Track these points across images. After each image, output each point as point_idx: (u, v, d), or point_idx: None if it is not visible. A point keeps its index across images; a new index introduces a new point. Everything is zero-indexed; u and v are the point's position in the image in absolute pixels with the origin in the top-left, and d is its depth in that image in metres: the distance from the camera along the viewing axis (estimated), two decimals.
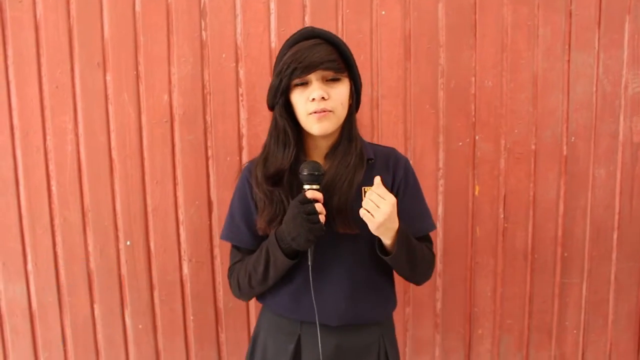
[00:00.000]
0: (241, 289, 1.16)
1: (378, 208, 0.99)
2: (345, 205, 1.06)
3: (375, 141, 1.68)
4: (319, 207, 1.01)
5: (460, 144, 1.67)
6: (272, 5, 1.63)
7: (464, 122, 1.66)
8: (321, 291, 1.08)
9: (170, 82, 1.67)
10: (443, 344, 1.76)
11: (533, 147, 1.67)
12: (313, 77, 1.03)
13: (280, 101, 1.07)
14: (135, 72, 1.67)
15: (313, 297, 1.06)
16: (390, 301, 1.20)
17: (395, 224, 1.03)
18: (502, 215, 1.70)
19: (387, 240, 1.05)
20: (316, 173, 1.02)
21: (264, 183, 1.09)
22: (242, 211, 1.16)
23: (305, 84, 1.05)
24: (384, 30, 1.64)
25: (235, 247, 1.20)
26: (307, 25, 1.09)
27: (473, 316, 1.75)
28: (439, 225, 1.70)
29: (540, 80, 1.65)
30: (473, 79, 1.65)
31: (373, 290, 1.14)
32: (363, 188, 1.09)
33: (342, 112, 1.07)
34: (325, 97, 1.03)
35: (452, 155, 1.68)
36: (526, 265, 1.72)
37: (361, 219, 1.03)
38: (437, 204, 1.70)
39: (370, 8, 1.63)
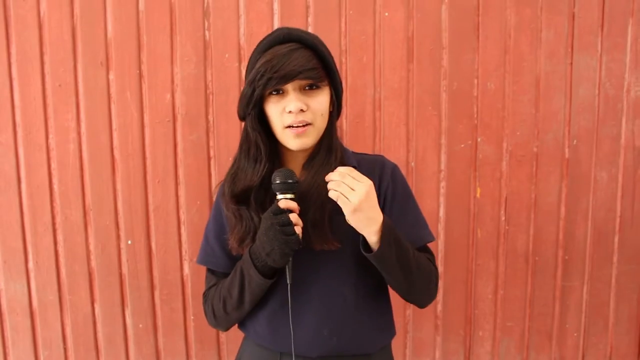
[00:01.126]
0: (216, 316, 1.05)
1: (352, 190, 0.88)
2: (322, 218, 0.95)
3: (377, 142, 1.68)
4: (294, 217, 0.92)
5: (462, 146, 1.67)
6: (276, 6, 1.64)
7: (466, 124, 1.67)
8: (301, 317, 0.98)
9: (173, 81, 1.67)
10: (443, 345, 1.76)
11: (535, 149, 1.67)
12: (290, 86, 0.93)
13: (252, 112, 0.97)
14: (138, 71, 1.67)
15: (291, 322, 0.96)
16: (384, 329, 1.07)
17: (376, 214, 0.91)
18: (503, 218, 1.70)
19: (371, 236, 0.92)
20: (290, 181, 0.93)
21: (230, 201, 1.00)
22: (216, 232, 1.07)
23: (281, 92, 0.95)
24: (387, 31, 1.64)
25: (210, 271, 1.11)
26: (282, 27, 1.00)
27: (473, 318, 1.75)
28: (440, 227, 1.70)
29: (543, 82, 1.65)
30: (475, 81, 1.65)
31: (362, 315, 1.01)
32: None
33: (322, 123, 0.98)
34: (304, 109, 0.93)
35: (454, 157, 1.68)
36: (527, 267, 1.72)
37: (341, 233, 0.95)
38: (438, 206, 1.70)
39: (373, 9, 1.63)
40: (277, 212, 0.91)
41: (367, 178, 0.90)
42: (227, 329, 1.10)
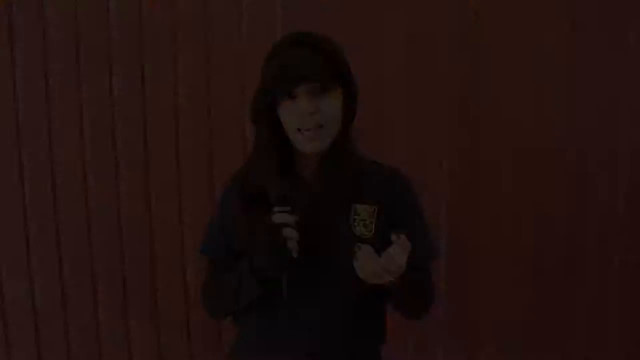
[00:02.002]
0: (211, 304, 1.10)
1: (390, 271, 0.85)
2: (331, 225, 0.95)
3: (378, 145, 1.68)
4: (288, 232, 0.90)
5: (464, 148, 1.68)
6: (278, 10, 1.64)
7: (467, 126, 1.67)
8: (293, 314, 0.99)
9: (175, 84, 1.68)
10: (445, 349, 1.76)
11: (536, 151, 1.67)
12: (299, 90, 0.93)
13: (263, 116, 0.98)
14: (140, 75, 1.67)
15: (287, 324, 0.98)
16: (374, 335, 1.09)
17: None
18: (505, 220, 1.70)
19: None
20: (284, 194, 0.91)
21: (237, 198, 1.02)
22: (220, 224, 1.09)
23: (292, 96, 0.95)
24: (387, 34, 1.64)
25: (209, 261, 1.13)
26: (295, 31, 1.00)
27: (475, 321, 1.75)
28: (442, 230, 1.71)
29: (544, 85, 1.65)
30: (476, 83, 1.66)
31: (354, 319, 1.02)
32: (354, 206, 0.99)
33: (333, 126, 0.98)
34: (313, 112, 0.93)
35: (455, 160, 1.68)
36: (529, 269, 1.72)
37: (347, 241, 0.94)
38: (440, 209, 1.70)
39: (374, 12, 1.63)
40: (269, 228, 0.91)
41: (393, 249, 0.86)
42: (220, 318, 1.14)
